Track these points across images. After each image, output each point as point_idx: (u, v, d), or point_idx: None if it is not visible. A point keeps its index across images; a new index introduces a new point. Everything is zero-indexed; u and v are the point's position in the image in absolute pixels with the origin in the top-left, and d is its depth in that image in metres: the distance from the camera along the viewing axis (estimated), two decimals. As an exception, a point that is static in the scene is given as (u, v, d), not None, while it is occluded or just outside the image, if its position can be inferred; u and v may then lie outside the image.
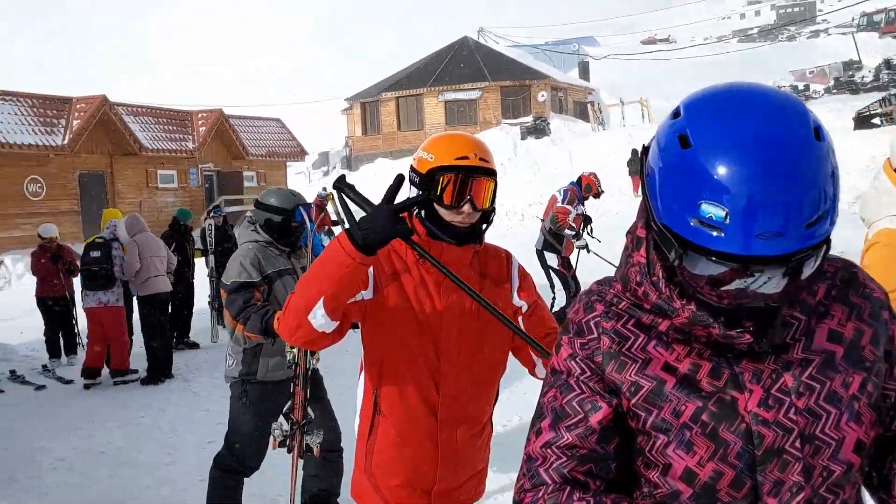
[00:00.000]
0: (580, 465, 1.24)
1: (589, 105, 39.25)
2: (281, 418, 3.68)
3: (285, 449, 3.77)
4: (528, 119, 35.32)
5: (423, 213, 2.19)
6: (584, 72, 47.29)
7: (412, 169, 2.24)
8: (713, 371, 1.20)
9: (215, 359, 9.57)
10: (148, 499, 5.20)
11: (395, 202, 1.96)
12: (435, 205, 2.16)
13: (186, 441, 6.40)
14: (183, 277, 10.45)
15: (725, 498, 1.18)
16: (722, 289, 1.10)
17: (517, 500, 1.29)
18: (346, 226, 2.00)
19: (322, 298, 1.96)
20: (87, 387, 8.65)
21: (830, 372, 1.19)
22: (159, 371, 8.60)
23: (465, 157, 2.15)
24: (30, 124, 21.58)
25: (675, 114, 1.16)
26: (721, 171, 1.05)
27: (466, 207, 2.15)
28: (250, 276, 3.93)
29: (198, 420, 6.99)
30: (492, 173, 2.20)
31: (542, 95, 37.22)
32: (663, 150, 1.14)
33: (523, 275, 2.41)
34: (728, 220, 1.04)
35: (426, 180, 2.17)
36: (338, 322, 2.06)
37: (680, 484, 1.20)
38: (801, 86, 41.90)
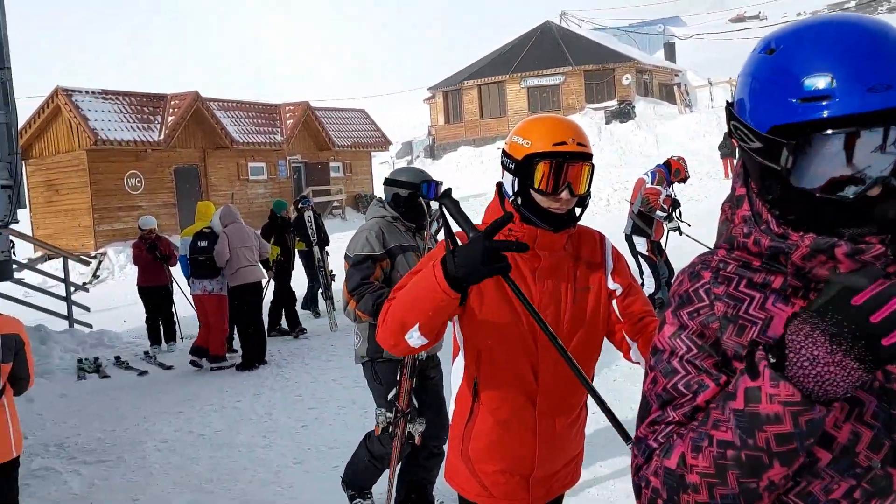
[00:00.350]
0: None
1: (675, 87, 38.28)
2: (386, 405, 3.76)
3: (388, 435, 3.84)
4: (613, 103, 34.72)
5: (518, 199, 2.16)
6: (670, 53, 46.09)
7: (505, 153, 2.21)
8: None
9: (307, 346, 9.84)
10: (246, 479, 5.40)
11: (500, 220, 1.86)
12: (531, 191, 2.13)
13: (281, 425, 6.61)
14: (284, 267, 10.75)
15: (864, 463, 1.13)
16: (838, 194, 1.09)
17: (637, 482, 1.22)
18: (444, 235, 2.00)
19: (417, 324, 1.94)
20: (192, 363, 9.09)
21: None
22: (253, 358, 8.89)
23: (563, 143, 2.09)
24: (128, 121, 22.52)
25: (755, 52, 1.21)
26: (818, 43, 1.08)
27: (564, 194, 2.12)
28: (373, 249, 4.02)
29: (291, 404, 7.21)
30: (589, 157, 2.15)
31: (627, 78, 36.48)
32: (753, 67, 1.18)
33: (617, 257, 2.36)
34: (835, 84, 1.04)
35: (522, 167, 2.13)
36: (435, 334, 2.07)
37: (819, 451, 1.13)
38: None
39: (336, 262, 11.88)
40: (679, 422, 1.19)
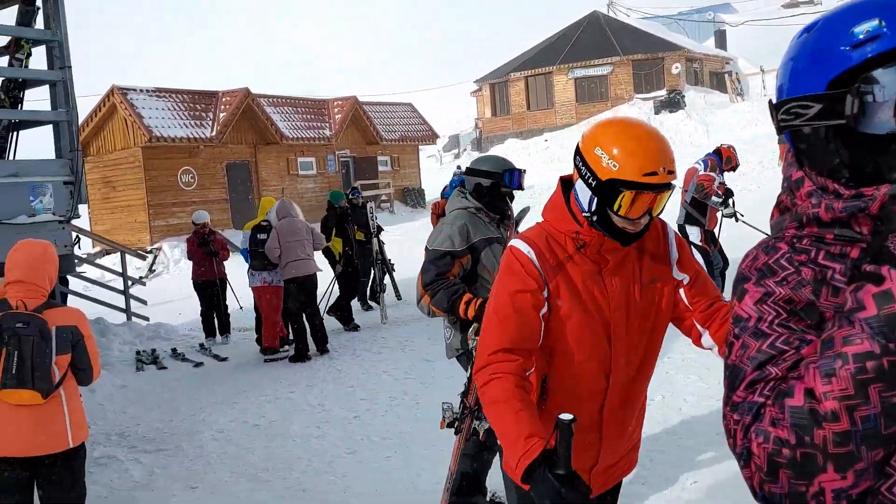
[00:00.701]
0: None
1: (726, 75, 37.53)
2: (453, 400, 3.65)
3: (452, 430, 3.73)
4: (662, 93, 34.22)
5: (594, 217, 2.09)
6: (721, 40, 45.20)
7: (583, 161, 2.07)
8: None
9: (358, 338, 9.93)
10: (301, 469, 5.49)
11: None
12: (608, 211, 2.05)
13: (334, 415, 6.69)
14: (349, 259, 10.84)
15: None
16: None
17: (744, 445, 1.14)
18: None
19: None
20: (268, 360, 9.20)
21: None
22: (305, 349, 9.00)
23: (654, 174, 1.96)
24: (181, 118, 22.98)
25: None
26: (860, 5, 1.14)
27: (644, 219, 2.07)
28: (453, 245, 3.87)
29: (343, 396, 7.29)
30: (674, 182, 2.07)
31: (676, 67, 35.90)
32: (796, 48, 1.24)
33: (681, 244, 2.32)
34: (884, 23, 1.10)
35: (605, 189, 2.02)
36: None
37: None
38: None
39: (391, 252, 12.04)
40: (782, 378, 1.13)
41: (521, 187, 4.07)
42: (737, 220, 9.22)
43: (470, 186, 4.10)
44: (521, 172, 4.04)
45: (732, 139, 21.20)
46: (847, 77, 1.13)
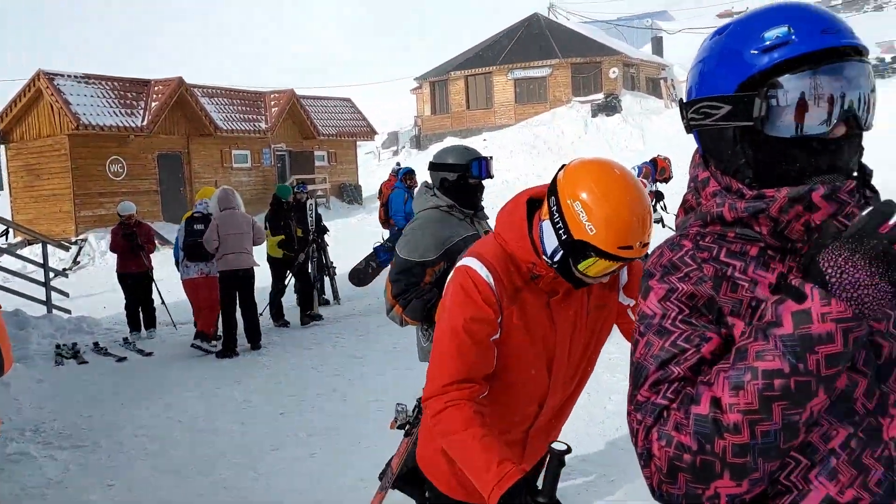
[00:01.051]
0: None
1: (662, 81, 38.34)
2: (408, 402, 3.57)
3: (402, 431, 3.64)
4: (599, 96, 34.73)
5: (556, 265, 1.99)
6: (658, 47, 46.17)
7: (559, 211, 1.92)
8: None
9: (287, 334, 9.79)
10: (224, 465, 5.37)
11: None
12: (572, 265, 1.95)
13: (260, 411, 6.57)
14: (290, 256, 10.51)
15: (861, 410, 1.15)
16: (810, 133, 1.16)
17: (644, 447, 1.17)
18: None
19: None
20: (194, 346, 9.06)
21: None
22: (233, 346, 8.81)
23: (630, 248, 1.86)
24: (111, 106, 22.30)
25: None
26: (769, 11, 1.20)
27: (605, 278, 2.01)
28: (424, 255, 3.52)
29: (270, 391, 7.17)
30: None
31: (614, 72, 36.48)
32: (706, 50, 1.27)
33: (632, 270, 2.23)
34: (792, 31, 1.15)
35: (575, 248, 1.90)
36: None
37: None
38: (888, 58, 40.08)
39: (335, 253, 11.89)
40: (685, 377, 1.16)
41: (489, 175, 3.81)
42: (663, 225, 9.41)
43: (435, 182, 3.80)
44: (487, 161, 3.78)
45: (667, 144, 21.67)
46: (756, 80, 1.18)
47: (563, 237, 1.91)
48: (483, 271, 2.05)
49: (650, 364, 1.20)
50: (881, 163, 1.23)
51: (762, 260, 1.21)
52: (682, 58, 43.61)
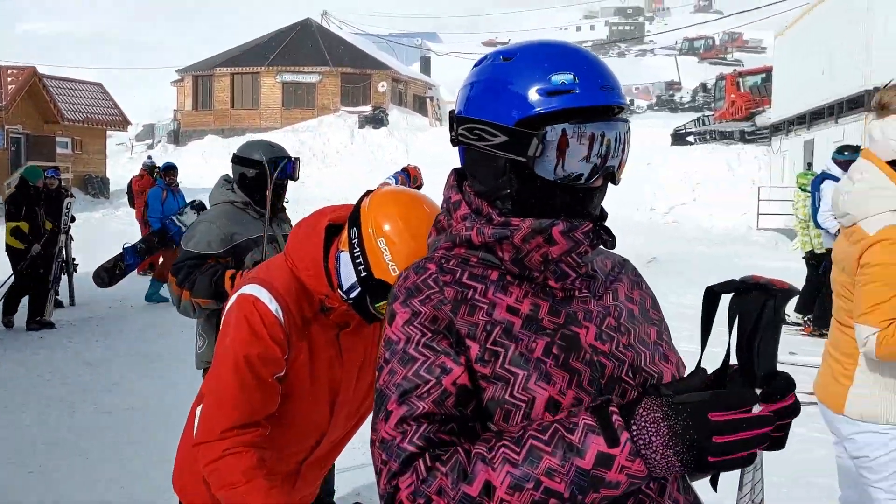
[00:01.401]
0: (443, 426, 1.15)
1: (428, 100, 39.68)
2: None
3: None
4: (367, 108, 35.26)
5: (352, 300, 1.86)
6: (426, 67, 47.79)
7: (361, 246, 1.76)
8: (551, 310, 1.26)
9: (10, 336, 8.77)
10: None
11: None
12: (368, 302, 1.83)
13: None
14: (49, 241, 9.37)
15: None
16: (572, 180, 1.23)
17: (390, 490, 1.13)
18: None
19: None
20: None
21: (634, 321, 1.34)
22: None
23: None
24: None
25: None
26: (554, 51, 1.25)
27: None
28: (209, 247, 3.40)
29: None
30: None
31: (383, 86, 37.19)
32: (490, 72, 1.28)
33: None
34: (577, 80, 1.20)
35: (375, 289, 1.76)
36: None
37: (546, 416, 1.17)
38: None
39: (77, 248, 10.74)
40: (430, 413, 1.15)
41: (293, 178, 3.67)
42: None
43: (235, 176, 3.66)
44: (293, 162, 3.63)
45: (431, 161, 22.30)
46: (534, 120, 1.21)
47: (363, 274, 1.76)
48: (272, 304, 1.88)
49: (392, 392, 1.18)
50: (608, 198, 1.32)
51: (501, 284, 1.26)
52: (447, 80, 45.48)
